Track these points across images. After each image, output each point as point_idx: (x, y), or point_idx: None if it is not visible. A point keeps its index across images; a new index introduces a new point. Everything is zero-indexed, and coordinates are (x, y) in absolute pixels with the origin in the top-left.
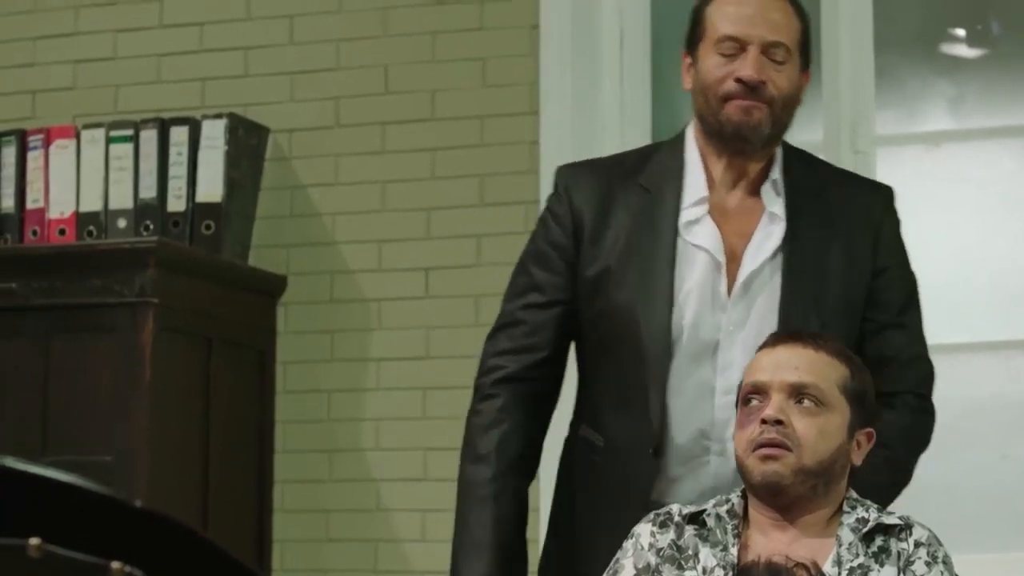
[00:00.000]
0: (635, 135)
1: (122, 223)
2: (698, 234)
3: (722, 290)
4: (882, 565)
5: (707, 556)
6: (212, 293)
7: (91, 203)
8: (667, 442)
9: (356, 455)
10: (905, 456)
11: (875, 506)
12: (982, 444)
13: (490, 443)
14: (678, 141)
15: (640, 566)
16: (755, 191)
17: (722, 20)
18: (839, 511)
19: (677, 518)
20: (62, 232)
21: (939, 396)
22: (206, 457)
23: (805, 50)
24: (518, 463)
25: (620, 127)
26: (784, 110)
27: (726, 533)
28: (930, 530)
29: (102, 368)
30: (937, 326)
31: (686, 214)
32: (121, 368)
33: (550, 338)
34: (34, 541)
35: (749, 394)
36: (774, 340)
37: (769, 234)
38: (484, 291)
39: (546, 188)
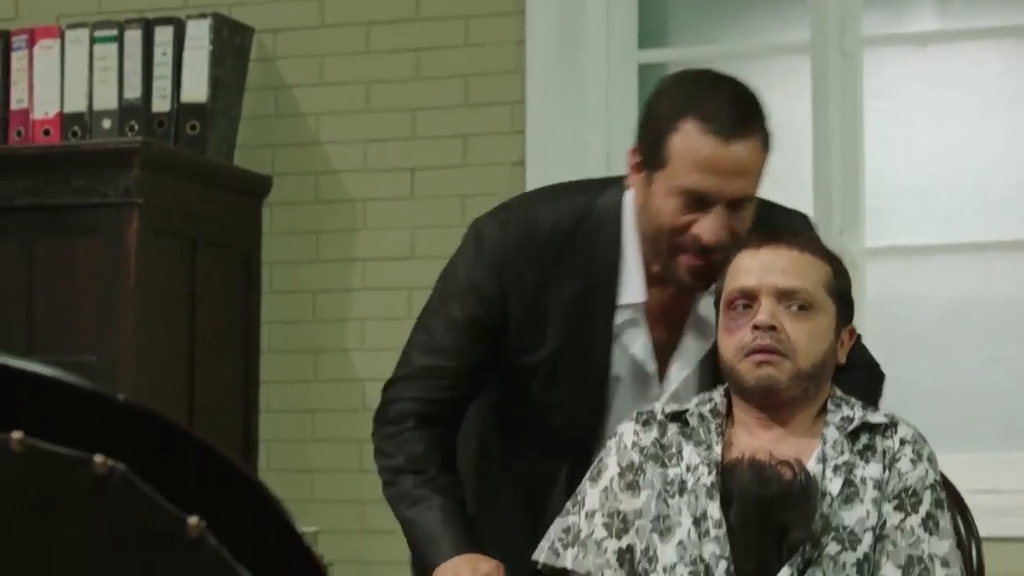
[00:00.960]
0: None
1: (107, 123)
2: (632, 339)
3: (653, 393)
4: (867, 462)
5: (690, 454)
6: (197, 193)
7: (75, 104)
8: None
9: (341, 355)
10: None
11: (860, 404)
12: (967, 345)
13: (409, 454)
14: (615, 225)
15: (624, 464)
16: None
17: (688, 168)
18: (824, 410)
19: (660, 416)
20: (46, 133)
21: (924, 297)
22: (191, 358)
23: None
24: (443, 463)
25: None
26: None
27: (709, 432)
28: (915, 428)
29: (87, 269)
30: (922, 228)
31: (621, 314)
32: (106, 269)
33: (467, 386)
34: (16, 435)
35: (736, 299)
36: (757, 241)
37: (698, 336)
38: (469, 191)
39: (532, 88)
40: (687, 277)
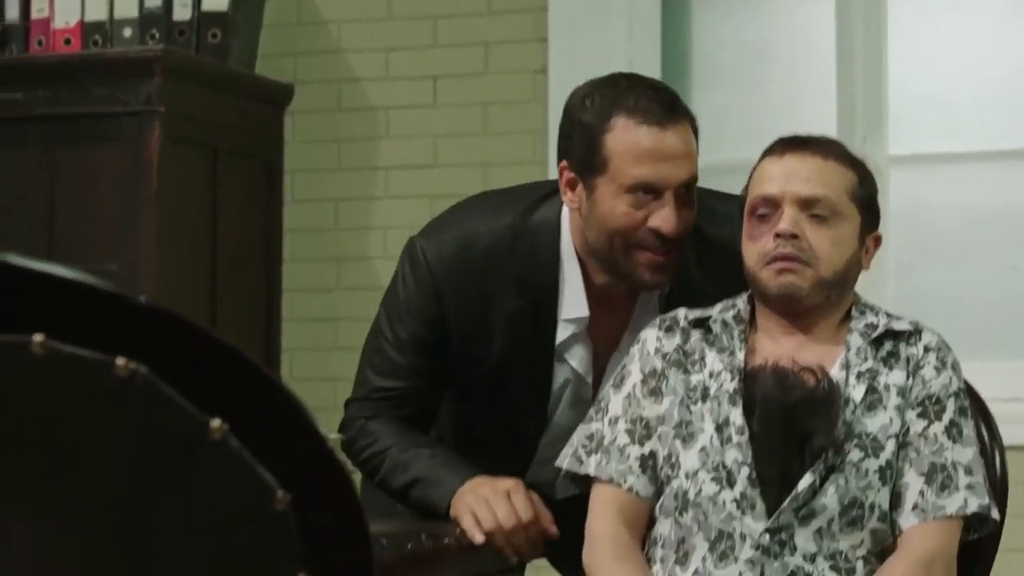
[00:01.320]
0: None
1: (127, 32)
2: (574, 353)
3: (588, 400)
4: (891, 369)
5: (713, 360)
6: (218, 102)
7: (96, 12)
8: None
9: (364, 263)
10: None
11: (884, 311)
12: (990, 253)
13: (382, 435)
14: (553, 241)
15: (647, 371)
16: (635, 294)
17: (632, 162)
18: (848, 316)
19: (683, 323)
20: (67, 42)
21: (948, 205)
22: (213, 267)
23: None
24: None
25: None
26: (684, 241)
27: (732, 338)
28: (939, 335)
29: (108, 178)
30: (946, 136)
31: (563, 329)
32: (127, 178)
33: (424, 401)
34: (37, 338)
35: (759, 206)
36: (781, 148)
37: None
38: (492, 99)
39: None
40: (648, 274)
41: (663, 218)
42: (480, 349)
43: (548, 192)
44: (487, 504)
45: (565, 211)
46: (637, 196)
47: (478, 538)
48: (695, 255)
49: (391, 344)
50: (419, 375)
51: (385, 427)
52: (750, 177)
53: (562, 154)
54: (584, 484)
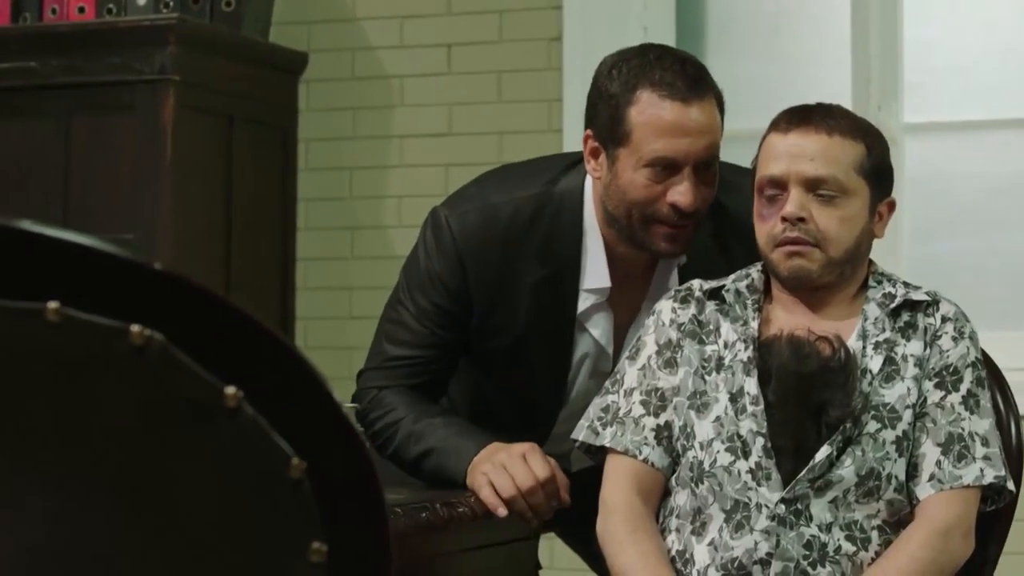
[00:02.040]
0: None
1: (141, 0)
2: (596, 323)
3: (607, 370)
4: (908, 340)
5: (728, 330)
6: (233, 71)
7: None
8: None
9: (378, 232)
10: None
11: (901, 281)
12: (1007, 222)
13: (394, 407)
14: (576, 211)
15: (662, 342)
16: (653, 265)
17: (653, 136)
18: (864, 286)
19: (698, 293)
20: (81, 10)
21: (966, 173)
22: (228, 236)
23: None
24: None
25: None
26: (703, 214)
27: (746, 308)
28: (957, 306)
29: (123, 147)
30: (964, 104)
31: (585, 299)
32: (142, 146)
33: (440, 371)
34: (52, 305)
35: (766, 186)
36: (787, 123)
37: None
38: (507, 67)
39: None
40: (664, 244)
41: (681, 193)
42: (501, 320)
43: (571, 163)
44: (504, 470)
45: (588, 182)
46: (656, 170)
47: (501, 512)
48: (712, 226)
49: (411, 313)
50: (437, 346)
51: (398, 397)
52: (758, 150)
53: (587, 122)
54: (599, 456)
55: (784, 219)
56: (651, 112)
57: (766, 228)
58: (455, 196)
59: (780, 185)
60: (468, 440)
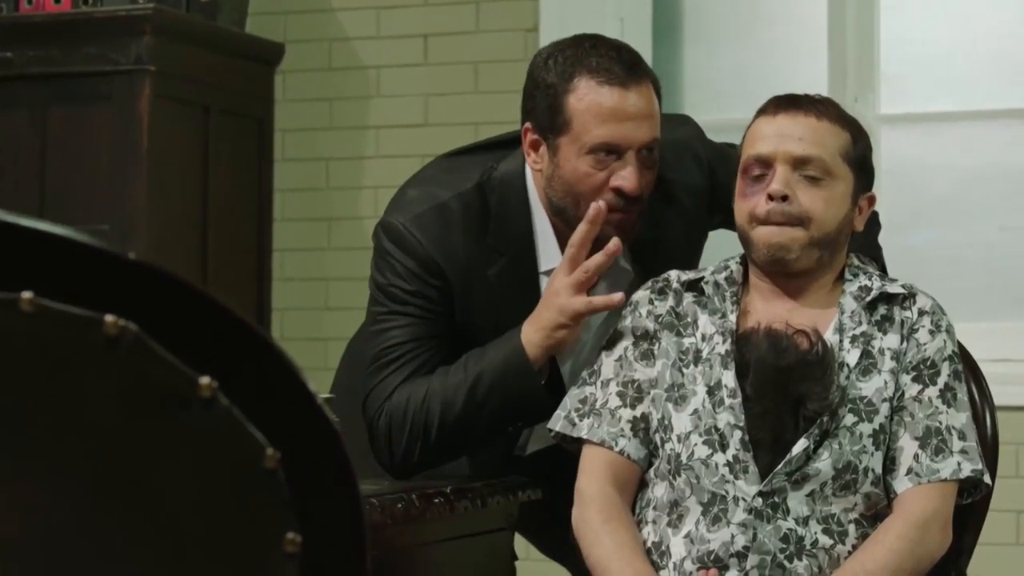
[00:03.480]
0: None
1: None
2: None
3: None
4: (885, 333)
5: (706, 323)
6: (209, 61)
7: None
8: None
9: (355, 223)
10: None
11: (877, 274)
12: (983, 214)
13: (415, 388)
14: (521, 195)
15: (639, 333)
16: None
17: (594, 122)
18: (841, 278)
19: (675, 285)
20: (57, 0)
21: (941, 165)
22: (205, 226)
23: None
24: None
25: None
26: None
27: (724, 300)
28: (933, 299)
29: (99, 137)
30: (940, 95)
31: (544, 281)
32: (118, 137)
33: (440, 361)
34: (26, 295)
35: (752, 165)
36: (775, 107)
37: (613, 286)
38: (483, 58)
39: None
40: (613, 231)
41: (625, 177)
42: (479, 314)
43: (503, 145)
44: (559, 311)
45: (532, 185)
46: (599, 156)
47: (617, 297)
48: (659, 194)
49: (400, 331)
50: (433, 336)
51: (408, 386)
52: (744, 136)
53: (525, 115)
54: (575, 446)
55: (770, 197)
56: (590, 99)
57: (748, 206)
58: (399, 203)
59: (766, 164)
60: (499, 340)
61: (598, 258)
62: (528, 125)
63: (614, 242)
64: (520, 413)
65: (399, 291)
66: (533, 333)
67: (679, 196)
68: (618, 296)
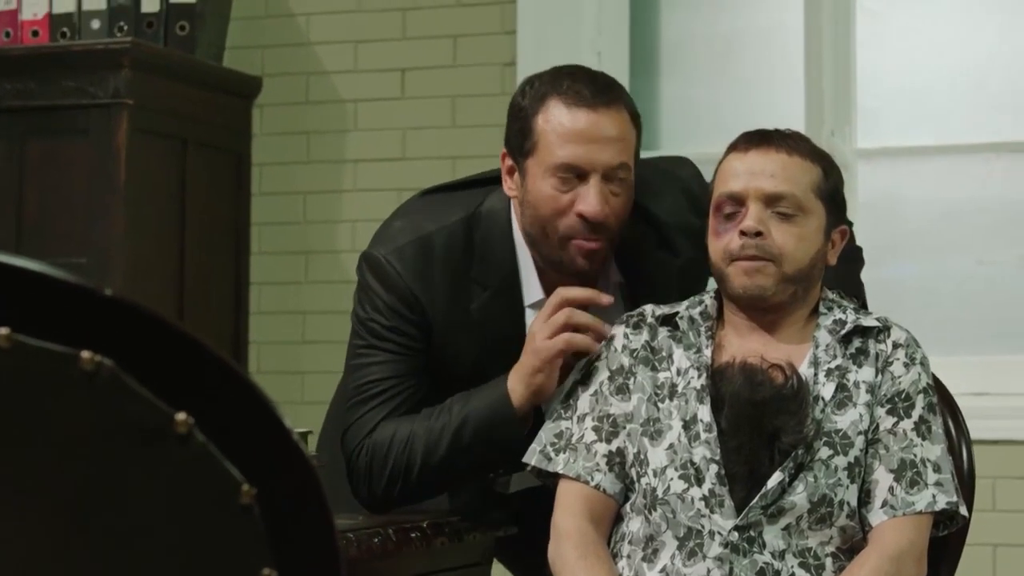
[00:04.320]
0: None
1: (96, 24)
2: None
3: None
4: (860, 366)
5: (681, 357)
6: (187, 95)
7: (64, 4)
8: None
9: (332, 256)
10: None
11: (852, 307)
12: (959, 247)
13: (398, 426)
14: (505, 228)
15: (614, 368)
16: (591, 278)
17: (558, 142)
18: (815, 312)
19: (651, 319)
20: (35, 34)
21: (917, 198)
22: (182, 259)
23: (637, 153)
24: None
25: None
26: (620, 230)
27: (699, 335)
28: (908, 331)
29: (77, 171)
30: (916, 129)
31: (530, 316)
32: (96, 170)
33: (421, 398)
34: (3, 331)
35: (724, 203)
36: (746, 143)
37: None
38: (461, 92)
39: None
40: (582, 261)
41: (586, 201)
42: (457, 348)
43: (493, 180)
44: (541, 347)
45: (515, 219)
46: (562, 178)
47: (596, 345)
48: (646, 231)
49: (380, 367)
50: (413, 373)
51: (390, 425)
52: (715, 173)
53: (504, 142)
54: (552, 480)
55: (743, 233)
56: (556, 120)
57: (721, 244)
58: (383, 235)
59: (739, 201)
60: (486, 387)
61: (575, 291)
62: (504, 151)
63: (606, 297)
64: (503, 460)
65: (378, 326)
66: (517, 382)
67: (672, 235)
68: (596, 342)
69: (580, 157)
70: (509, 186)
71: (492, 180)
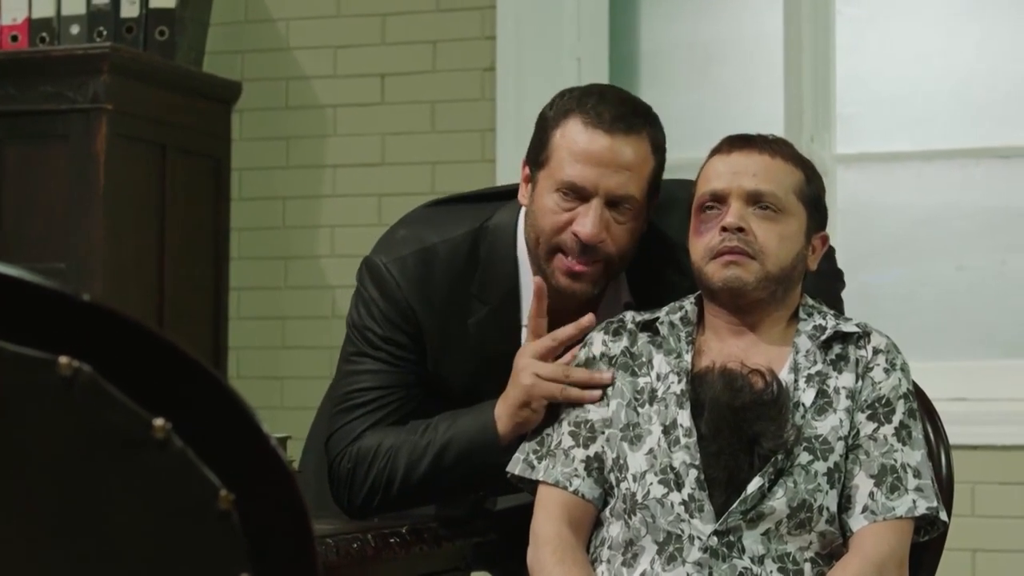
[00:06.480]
0: None
1: (75, 29)
2: None
3: None
4: (840, 372)
5: (661, 363)
6: (166, 100)
7: (44, 9)
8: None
9: (311, 262)
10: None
11: (831, 313)
12: (938, 253)
13: (384, 436)
14: (509, 245)
15: None
16: (596, 299)
17: (568, 160)
18: (795, 317)
19: (630, 325)
20: (14, 39)
21: (896, 204)
22: (161, 265)
23: (655, 184)
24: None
25: None
26: (622, 261)
27: (680, 340)
28: (888, 337)
29: (56, 175)
30: (896, 135)
31: (524, 333)
32: (75, 175)
33: (410, 411)
34: None
35: (706, 202)
36: (729, 145)
37: None
38: (440, 97)
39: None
40: (561, 279)
41: (582, 222)
42: (453, 362)
43: (504, 196)
44: (527, 397)
45: (522, 215)
46: (565, 196)
47: (590, 396)
48: (656, 252)
49: (369, 376)
50: (403, 385)
51: (375, 435)
52: (698, 175)
53: (527, 150)
54: (532, 487)
55: (724, 229)
56: (571, 137)
57: (703, 241)
58: (387, 242)
59: (720, 199)
60: (474, 410)
61: (568, 329)
62: (524, 158)
63: (588, 317)
64: (483, 482)
65: (372, 335)
66: (503, 410)
67: (680, 255)
68: (592, 394)
69: (585, 178)
70: (522, 193)
71: (502, 195)
